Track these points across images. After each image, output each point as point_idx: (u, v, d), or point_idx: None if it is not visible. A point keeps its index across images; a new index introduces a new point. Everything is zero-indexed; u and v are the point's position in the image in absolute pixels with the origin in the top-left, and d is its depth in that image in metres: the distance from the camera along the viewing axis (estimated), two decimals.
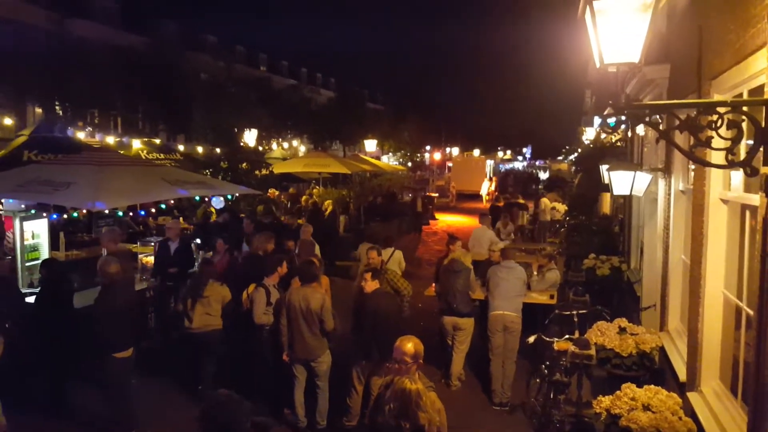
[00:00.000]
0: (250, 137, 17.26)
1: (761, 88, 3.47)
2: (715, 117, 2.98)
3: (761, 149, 2.92)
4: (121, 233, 8.77)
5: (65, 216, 10.01)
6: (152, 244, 9.50)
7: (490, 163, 47.34)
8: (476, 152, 53.32)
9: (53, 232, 9.57)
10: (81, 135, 16.71)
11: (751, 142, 3.05)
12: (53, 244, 9.50)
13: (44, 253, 9.16)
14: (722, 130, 2.96)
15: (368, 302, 6.24)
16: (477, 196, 32.85)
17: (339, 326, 6.31)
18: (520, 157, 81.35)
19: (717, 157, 3.19)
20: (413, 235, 19.65)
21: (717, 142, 3.05)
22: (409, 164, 35.61)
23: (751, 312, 3.66)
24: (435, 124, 50.85)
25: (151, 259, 9.23)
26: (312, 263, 6.59)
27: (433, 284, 8.63)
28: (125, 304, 5.88)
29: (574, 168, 23.11)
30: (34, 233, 9.19)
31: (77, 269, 8.68)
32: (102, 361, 5.70)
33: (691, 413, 4.57)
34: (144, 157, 13.51)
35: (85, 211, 10.62)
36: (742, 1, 3.59)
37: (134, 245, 10.31)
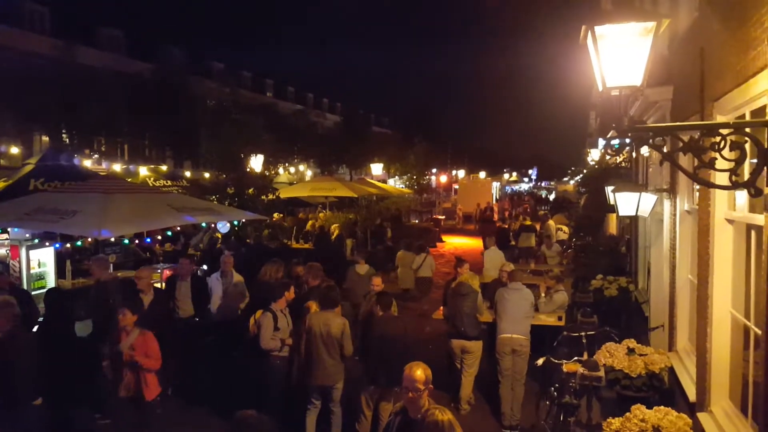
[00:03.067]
0: (256, 162, 17.42)
1: (763, 109, 3.51)
2: (718, 138, 3.01)
3: (765, 170, 2.95)
4: (109, 261, 8.61)
5: (68, 245, 10.04)
6: (159, 271, 9.51)
7: (496, 185, 47.39)
8: (482, 174, 53.47)
9: (60, 260, 9.61)
10: (88, 163, 16.88)
11: (755, 161, 3.08)
12: (60, 273, 9.54)
13: (50, 282, 9.20)
14: (725, 152, 2.99)
15: (376, 327, 6.22)
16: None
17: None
18: (526, 179, 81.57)
19: (721, 178, 3.22)
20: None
21: (720, 164, 3.07)
22: (416, 187, 35.73)
23: (759, 331, 3.64)
24: (441, 146, 51.11)
25: (157, 286, 9.22)
26: (333, 288, 6.57)
27: (441, 307, 8.61)
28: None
29: (580, 189, 23.14)
30: (41, 262, 9.24)
31: (84, 297, 8.70)
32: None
33: None
34: (151, 185, 13.65)
35: (90, 239, 10.67)
36: (742, 24, 3.65)
37: None
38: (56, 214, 7.38)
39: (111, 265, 9.30)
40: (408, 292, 12.23)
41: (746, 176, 3.05)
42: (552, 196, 45.23)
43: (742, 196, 4.17)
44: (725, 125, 3.08)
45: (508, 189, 59.53)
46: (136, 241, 13.12)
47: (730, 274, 4.55)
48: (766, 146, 2.94)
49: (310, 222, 18.41)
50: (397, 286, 12.22)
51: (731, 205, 4.46)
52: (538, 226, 19.93)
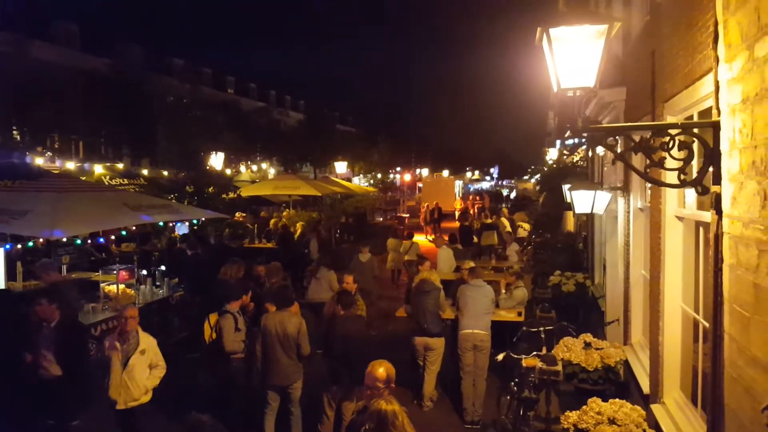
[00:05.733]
0: (217, 161, 17.15)
1: (709, 110, 3.63)
2: (667, 139, 3.10)
3: (710, 169, 3.05)
4: (54, 264, 8.22)
5: (19, 246, 9.68)
6: (114, 272, 9.26)
7: (459, 183, 47.79)
8: (445, 173, 53.90)
9: (10, 262, 9.29)
10: (40, 161, 16.31)
11: (703, 160, 3.18)
12: (10, 275, 9.21)
13: (0, 284, 8.87)
14: (674, 151, 3.09)
15: (338, 326, 6.21)
16: (447, 216, 33.05)
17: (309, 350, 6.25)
18: (488, 177, 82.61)
19: (670, 177, 3.32)
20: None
21: (670, 163, 3.16)
22: (380, 185, 35.75)
23: (707, 324, 3.77)
24: (405, 145, 51.33)
25: (113, 288, 8.96)
26: (288, 287, 6.54)
27: (404, 305, 8.66)
28: None
29: (538, 187, 23.56)
30: None
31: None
32: None
33: (655, 425, 4.67)
34: (107, 183, 13.29)
35: (42, 239, 10.31)
36: (689, 29, 3.77)
37: (96, 273, 10.07)
38: (7, 214, 7.15)
39: (63, 266, 9.03)
40: (394, 273, 14.91)
41: (694, 175, 3.16)
42: (513, 194, 45.90)
43: (690, 195, 4.32)
44: (674, 126, 3.18)
45: (471, 187, 60.13)
46: (89, 242, 12.75)
47: (680, 270, 4.70)
48: (712, 146, 3.05)
49: (272, 221, 18.22)
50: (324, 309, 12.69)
51: (681, 203, 4.61)
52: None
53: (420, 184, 46.27)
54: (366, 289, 9.98)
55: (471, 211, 28.94)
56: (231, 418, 6.32)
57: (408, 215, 32.93)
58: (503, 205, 29.77)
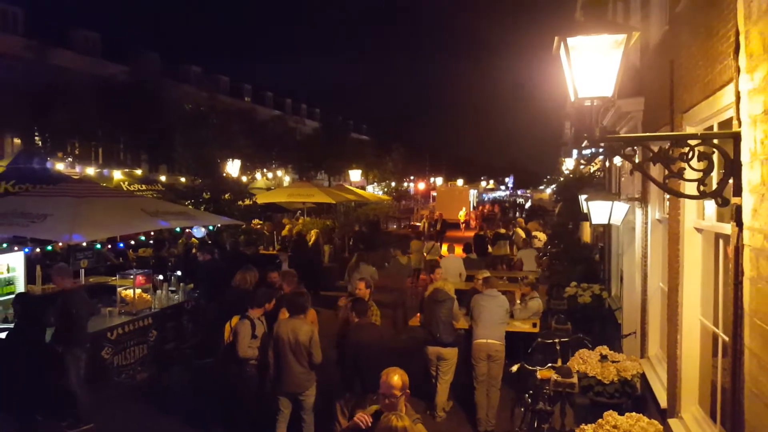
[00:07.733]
0: (233, 168, 17.29)
1: (730, 121, 3.59)
2: (686, 149, 3.07)
3: (731, 180, 3.01)
4: (70, 269, 8.25)
5: (38, 250, 9.80)
6: (131, 277, 9.33)
7: (473, 192, 47.68)
8: (460, 182, 53.82)
9: (30, 265, 9.41)
10: (60, 166, 16.56)
11: (723, 171, 3.15)
12: (30, 278, 9.33)
13: (20, 287, 8.99)
14: (694, 162, 3.06)
15: (351, 334, 6.20)
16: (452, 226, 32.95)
17: (322, 358, 6.25)
18: (502, 187, 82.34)
19: (689, 188, 3.28)
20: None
21: (689, 174, 3.13)
22: (394, 194, 35.73)
23: (727, 338, 3.72)
24: (419, 154, 51.35)
25: (129, 292, 9.04)
26: (301, 294, 6.54)
27: (418, 314, 8.63)
28: None
29: (555, 197, 23.41)
30: (10, 267, 9.03)
31: (53, 304, 8.50)
32: None
33: None
34: (125, 189, 13.44)
35: (61, 243, 10.43)
36: (709, 39, 3.74)
37: (113, 278, 10.16)
38: (27, 218, 7.25)
39: (81, 270, 9.12)
40: (418, 271, 15.22)
41: (714, 186, 3.12)
42: (528, 204, 45.70)
43: (710, 206, 4.26)
44: (693, 136, 3.14)
45: (485, 197, 59.97)
46: (109, 246, 12.88)
47: (699, 283, 4.64)
48: (732, 157, 3.01)
49: (286, 227, 18.29)
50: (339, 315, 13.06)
51: (700, 215, 4.55)
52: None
53: (434, 193, 46.21)
54: (401, 288, 11.33)
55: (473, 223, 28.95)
56: (242, 424, 6.35)
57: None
58: (518, 215, 29.64)
